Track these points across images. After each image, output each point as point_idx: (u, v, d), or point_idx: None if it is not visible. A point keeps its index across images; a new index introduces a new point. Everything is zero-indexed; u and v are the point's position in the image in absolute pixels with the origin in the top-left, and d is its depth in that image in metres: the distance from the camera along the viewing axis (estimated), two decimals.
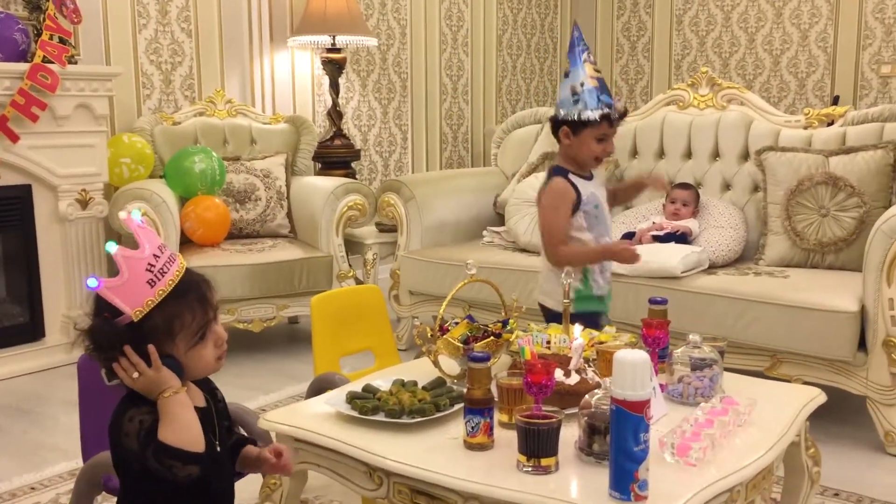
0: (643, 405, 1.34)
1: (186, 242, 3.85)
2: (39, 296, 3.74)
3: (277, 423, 1.75)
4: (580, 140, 2.40)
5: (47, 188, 3.73)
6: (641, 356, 1.36)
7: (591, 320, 2.23)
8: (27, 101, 3.50)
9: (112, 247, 1.31)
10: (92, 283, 1.29)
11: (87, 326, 1.33)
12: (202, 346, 1.38)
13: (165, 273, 1.33)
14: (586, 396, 1.57)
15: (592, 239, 2.44)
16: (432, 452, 1.58)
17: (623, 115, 2.49)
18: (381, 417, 1.70)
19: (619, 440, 1.36)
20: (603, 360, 1.85)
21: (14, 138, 3.51)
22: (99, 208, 3.84)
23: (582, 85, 2.38)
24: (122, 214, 1.39)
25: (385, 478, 1.59)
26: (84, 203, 3.80)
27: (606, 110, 2.38)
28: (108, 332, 1.31)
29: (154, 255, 1.33)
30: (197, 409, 1.38)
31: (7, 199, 3.65)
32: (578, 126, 2.38)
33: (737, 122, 3.63)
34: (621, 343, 1.99)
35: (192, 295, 1.35)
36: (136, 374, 1.31)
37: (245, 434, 1.68)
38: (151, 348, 1.32)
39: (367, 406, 1.73)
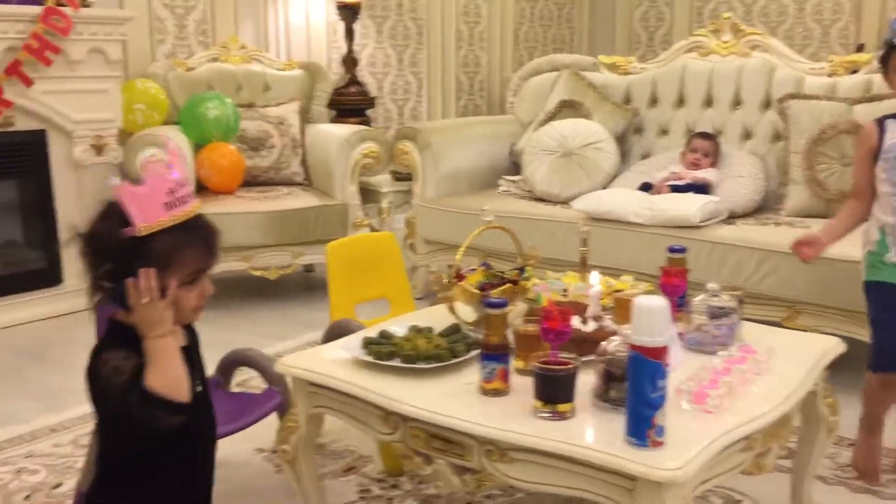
0: (661, 352, 1.33)
1: (201, 189, 3.84)
2: (56, 241, 3.76)
3: (294, 368, 1.75)
4: None
5: (62, 134, 3.72)
6: (660, 302, 1.35)
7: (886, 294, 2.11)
8: (41, 45, 3.47)
9: (144, 154, 1.29)
10: (115, 181, 1.27)
11: (90, 229, 1.30)
12: (188, 291, 1.34)
13: (182, 205, 1.31)
14: (603, 343, 1.56)
15: (891, 192, 2.15)
16: (448, 398, 1.58)
17: None
18: (396, 363, 1.70)
19: (636, 386, 1.35)
20: (620, 308, 1.83)
21: (28, 82, 3.49)
22: (113, 154, 3.83)
23: None
24: (170, 135, 1.36)
25: (401, 422, 1.60)
26: (99, 149, 3.79)
27: None
28: (107, 239, 1.28)
29: (179, 182, 1.31)
30: (181, 348, 1.35)
31: (22, 144, 3.65)
32: None
33: (759, 70, 3.56)
34: (638, 291, 1.97)
35: (199, 235, 1.35)
36: (145, 300, 1.27)
37: None
38: (172, 283, 1.29)
39: (382, 351, 1.73)
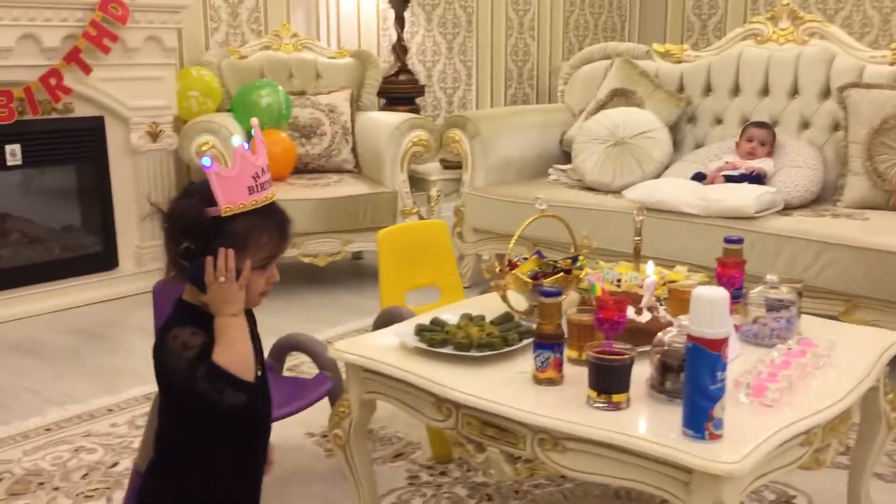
0: (721, 343, 1.31)
1: None
2: (113, 226, 3.84)
3: (347, 353, 1.76)
4: None
5: (119, 120, 3.79)
6: (720, 293, 1.32)
7: None
8: (99, 33, 3.54)
9: (236, 140, 1.32)
10: (206, 161, 1.30)
11: (173, 207, 1.33)
12: (258, 276, 1.36)
13: (262, 190, 1.34)
14: (659, 334, 1.55)
15: None
16: (501, 386, 1.58)
17: None
18: (449, 350, 1.70)
19: (694, 378, 1.33)
20: (675, 299, 1.81)
21: (87, 70, 3.56)
22: (168, 141, 3.89)
23: None
24: (254, 120, 1.40)
25: (454, 409, 1.60)
26: (154, 136, 3.85)
27: None
28: (192, 216, 1.30)
29: (263, 168, 1.34)
30: None
31: (81, 130, 3.73)
32: None
33: (818, 58, 3.47)
34: (693, 282, 1.95)
35: (275, 221, 1.36)
36: (222, 279, 1.29)
37: None
38: (248, 265, 1.31)
39: (435, 339, 1.73)
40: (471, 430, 1.58)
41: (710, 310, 1.31)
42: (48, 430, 2.51)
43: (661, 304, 1.81)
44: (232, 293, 1.31)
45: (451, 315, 1.87)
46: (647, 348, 1.57)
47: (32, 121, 3.53)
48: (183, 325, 1.32)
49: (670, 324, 1.65)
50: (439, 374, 1.63)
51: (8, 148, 3.53)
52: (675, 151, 3.66)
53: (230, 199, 1.30)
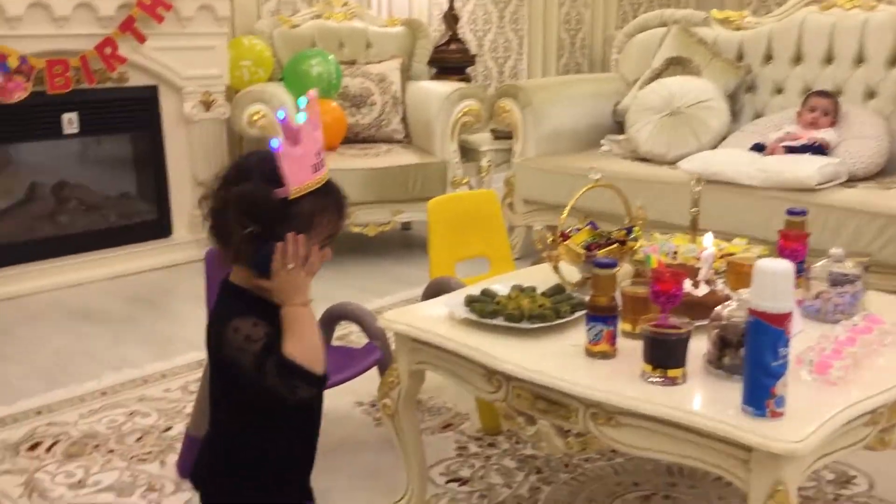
0: (785, 318, 1.26)
1: None
2: (167, 194, 3.89)
3: (396, 323, 1.75)
4: None
5: (173, 89, 3.82)
6: (785, 265, 1.27)
7: None
8: (153, 2, 3.56)
9: (302, 116, 1.22)
10: (274, 143, 1.21)
11: (239, 190, 1.22)
12: (316, 257, 1.28)
13: (323, 167, 1.26)
14: (717, 308, 1.50)
15: None
16: (553, 359, 1.55)
17: None
18: (500, 322, 1.68)
19: (755, 354, 1.29)
20: (733, 273, 1.76)
21: (141, 39, 3.58)
22: (221, 110, 3.91)
23: None
24: (313, 92, 1.28)
25: (504, 381, 1.58)
26: (207, 105, 3.87)
27: None
28: (260, 199, 1.21)
29: (321, 143, 1.26)
30: None
31: (136, 99, 3.77)
32: None
33: (886, 24, 3.33)
34: (752, 255, 1.89)
35: (334, 199, 1.29)
36: (291, 266, 1.22)
37: None
38: (315, 249, 1.23)
39: (485, 310, 1.70)
40: (521, 402, 1.56)
41: (773, 283, 1.26)
42: (104, 393, 2.56)
43: (718, 278, 1.76)
44: (300, 280, 1.24)
45: (501, 286, 1.84)
46: (704, 322, 1.53)
47: (88, 90, 3.58)
48: (243, 316, 1.23)
49: (729, 298, 1.61)
50: (490, 345, 1.61)
51: (65, 116, 3.59)
52: (733, 121, 3.56)
53: (297, 180, 1.21)
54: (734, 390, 1.34)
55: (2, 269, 3.44)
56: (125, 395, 2.55)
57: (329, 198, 1.27)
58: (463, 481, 2.07)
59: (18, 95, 3.38)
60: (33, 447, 2.23)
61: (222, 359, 1.26)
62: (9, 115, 3.41)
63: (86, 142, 3.80)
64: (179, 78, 3.79)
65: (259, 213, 1.22)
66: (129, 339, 3.02)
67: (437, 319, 1.74)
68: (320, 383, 1.24)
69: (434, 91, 4.04)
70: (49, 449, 2.22)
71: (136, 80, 3.72)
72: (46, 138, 3.61)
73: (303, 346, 1.22)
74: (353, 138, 4.03)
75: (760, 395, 1.29)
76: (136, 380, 2.66)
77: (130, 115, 3.79)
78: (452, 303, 1.78)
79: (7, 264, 3.46)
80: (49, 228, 3.69)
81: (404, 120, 4.11)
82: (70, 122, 3.61)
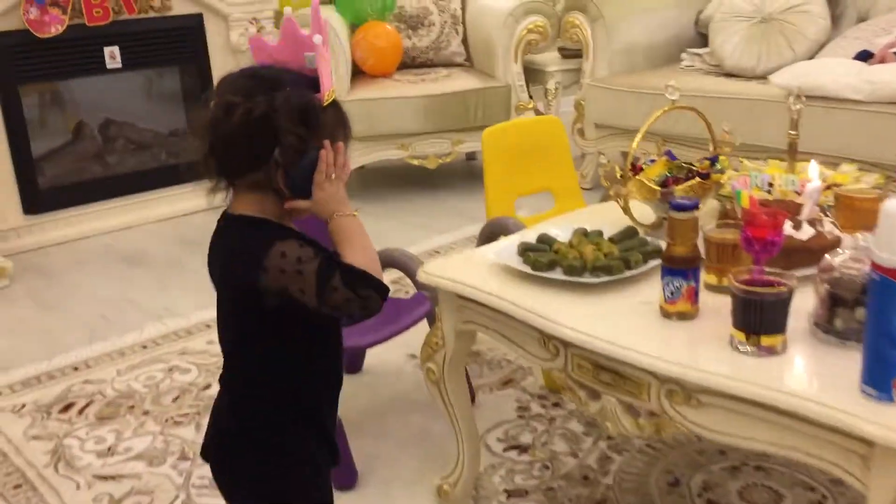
0: None
1: (357, 73, 3.63)
2: None
3: (439, 278, 1.51)
4: None
5: (219, 17, 3.64)
6: None
7: None
8: None
9: (317, 37, 1.16)
10: (318, 39, 1.15)
11: (285, 95, 1.11)
12: None
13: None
14: (826, 257, 1.21)
15: None
16: (621, 320, 1.29)
17: None
18: (558, 275, 1.42)
19: (880, 321, 1.01)
20: (845, 208, 1.45)
21: None
22: (270, 38, 3.67)
23: None
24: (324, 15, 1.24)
25: (562, 348, 1.33)
26: (256, 32, 3.65)
27: None
28: (310, 104, 1.13)
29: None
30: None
31: (180, 29, 3.59)
32: None
33: None
34: (867, 186, 1.57)
35: (343, 113, 1.20)
36: (333, 175, 1.14)
37: None
38: (348, 159, 1.16)
39: (541, 261, 1.44)
40: (582, 373, 1.31)
41: None
42: (144, 347, 2.43)
43: (826, 215, 1.45)
44: (342, 191, 1.16)
45: (561, 230, 1.57)
46: (809, 273, 1.24)
47: (129, 20, 3.42)
48: (283, 240, 1.11)
49: (840, 242, 1.31)
50: (545, 303, 1.35)
51: (107, 50, 3.43)
52: (833, 27, 3.17)
53: (327, 86, 1.16)
54: (851, 363, 1.06)
55: (49, 214, 3.36)
56: (166, 348, 2.41)
57: (340, 111, 1.20)
58: (523, 448, 1.84)
59: (55, 29, 3.23)
60: (66, 409, 2.11)
61: (268, 288, 1.11)
62: (48, 50, 3.27)
63: (130, 77, 3.63)
64: (225, 4, 3.60)
65: (310, 119, 1.13)
66: (176, 284, 2.88)
67: (486, 272, 1.49)
68: (387, 291, 1.13)
69: (496, 7, 3.71)
70: (82, 411, 2.10)
71: (179, 8, 3.54)
72: (89, 74, 3.47)
73: (365, 256, 1.13)
74: (410, 63, 3.76)
75: (886, 374, 1.01)
76: (179, 331, 2.51)
77: (175, 46, 3.60)
78: (504, 252, 1.53)
79: (54, 208, 3.37)
80: (97, 169, 3.58)
81: (465, 41, 3.82)
82: (112, 56, 3.44)
